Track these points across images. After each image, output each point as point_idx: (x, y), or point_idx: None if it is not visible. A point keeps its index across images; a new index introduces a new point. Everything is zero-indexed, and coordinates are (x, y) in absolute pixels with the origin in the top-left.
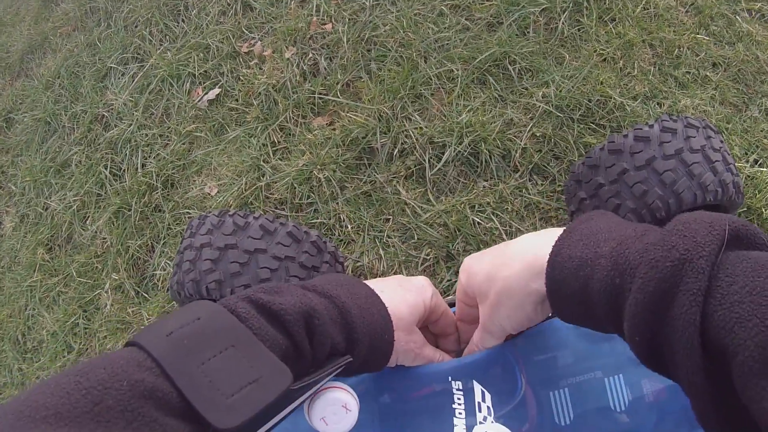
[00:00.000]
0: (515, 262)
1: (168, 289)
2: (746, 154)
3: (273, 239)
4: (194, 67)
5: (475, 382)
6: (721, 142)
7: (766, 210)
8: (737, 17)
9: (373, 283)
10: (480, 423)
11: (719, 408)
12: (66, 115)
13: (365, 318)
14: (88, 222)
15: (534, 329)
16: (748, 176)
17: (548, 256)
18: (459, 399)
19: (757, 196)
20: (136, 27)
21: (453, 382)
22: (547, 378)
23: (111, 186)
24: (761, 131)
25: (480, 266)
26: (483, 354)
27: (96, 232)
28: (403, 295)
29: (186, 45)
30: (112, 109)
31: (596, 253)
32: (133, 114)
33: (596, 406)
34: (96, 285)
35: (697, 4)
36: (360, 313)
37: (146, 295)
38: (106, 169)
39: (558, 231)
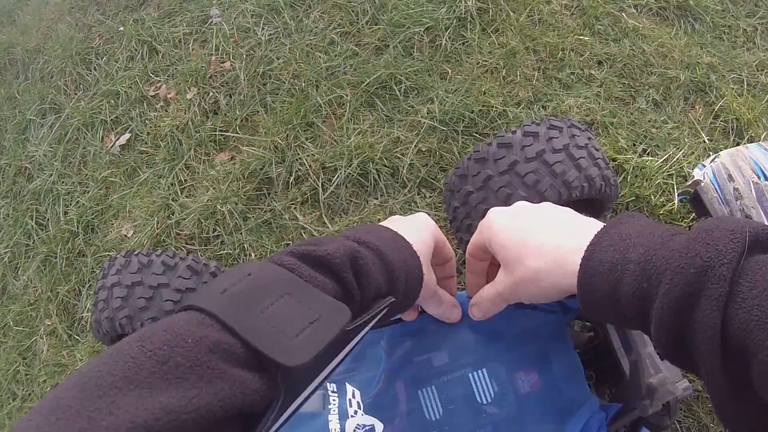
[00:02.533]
0: (547, 256)
1: (89, 329)
2: (633, 145)
3: (174, 273)
4: (106, 114)
5: (347, 383)
6: (589, 138)
7: (654, 197)
8: (623, 14)
9: (387, 224)
10: (351, 416)
11: (737, 402)
12: None
13: (399, 257)
14: (19, 272)
15: (415, 326)
16: (636, 166)
17: (581, 260)
18: (334, 400)
19: (645, 184)
20: (51, 77)
21: (328, 385)
22: (420, 377)
23: (37, 235)
24: (648, 122)
25: (509, 240)
26: (352, 356)
27: (27, 281)
28: (417, 232)
29: (98, 93)
30: (33, 160)
31: (625, 258)
32: (53, 164)
33: (463, 400)
34: (32, 332)
35: (582, 6)
36: (394, 254)
37: (78, 338)
38: (32, 219)
39: (582, 223)
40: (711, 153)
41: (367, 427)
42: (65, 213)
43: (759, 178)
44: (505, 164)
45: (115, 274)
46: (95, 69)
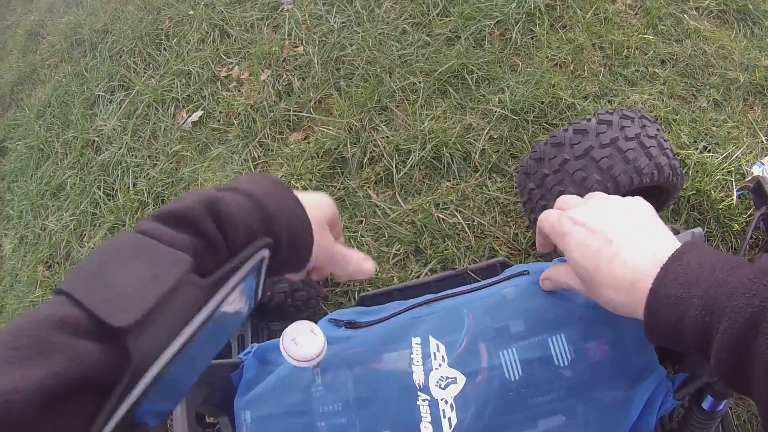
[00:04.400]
0: (619, 287)
1: None
2: (695, 141)
3: None
4: (177, 92)
5: (431, 337)
6: (657, 130)
7: (714, 192)
8: (685, 15)
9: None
10: (435, 369)
11: None
12: (58, 142)
13: (275, 200)
14: (84, 239)
15: (491, 301)
16: (697, 162)
17: (648, 292)
18: (417, 351)
19: (705, 179)
20: (120, 57)
21: (413, 339)
22: (500, 341)
23: (105, 205)
24: (709, 120)
25: (584, 260)
26: (440, 313)
27: (93, 248)
28: (313, 198)
29: (169, 72)
30: (101, 134)
31: (689, 293)
32: (122, 138)
33: (541, 363)
34: None
35: (645, 6)
36: (269, 197)
37: None
38: (99, 189)
39: (655, 235)
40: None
41: (450, 380)
42: (134, 184)
43: None
44: (581, 149)
45: None
46: (165, 50)
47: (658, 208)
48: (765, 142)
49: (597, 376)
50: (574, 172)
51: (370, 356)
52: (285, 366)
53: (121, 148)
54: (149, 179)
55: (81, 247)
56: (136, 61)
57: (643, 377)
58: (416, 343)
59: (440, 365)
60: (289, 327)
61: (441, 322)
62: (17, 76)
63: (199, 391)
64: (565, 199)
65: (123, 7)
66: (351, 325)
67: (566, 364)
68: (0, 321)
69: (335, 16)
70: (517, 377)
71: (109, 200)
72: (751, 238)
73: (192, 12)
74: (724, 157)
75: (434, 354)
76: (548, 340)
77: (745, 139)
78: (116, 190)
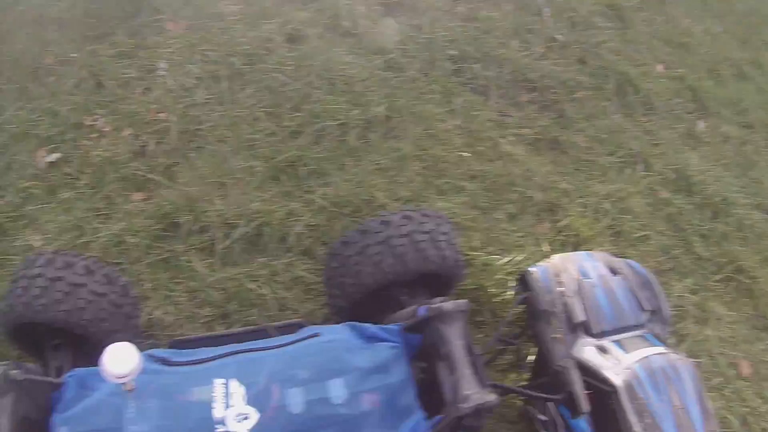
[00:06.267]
0: None
1: None
2: (484, 246)
3: (92, 277)
4: (43, 130)
5: (233, 380)
6: (449, 229)
7: (493, 288)
8: (502, 140)
9: None
10: (233, 406)
11: None
12: None
13: None
14: None
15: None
16: (483, 262)
17: None
18: (220, 390)
19: (487, 277)
20: None
21: (217, 380)
22: (289, 384)
23: None
24: (501, 229)
25: None
26: (244, 361)
27: None
28: None
29: (39, 107)
30: None
31: None
32: None
33: (321, 401)
34: None
35: (471, 129)
36: None
37: None
38: None
39: None
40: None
41: (245, 415)
42: None
43: (581, 276)
44: (382, 237)
45: (40, 266)
46: (42, 85)
47: (441, 293)
48: (548, 251)
49: (368, 419)
50: (373, 255)
51: (177, 390)
52: (102, 391)
53: None
54: None
55: None
56: (11, 88)
57: (405, 417)
58: (220, 383)
59: (238, 403)
60: (111, 346)
61: (243, 368)
62: None
63: (23, 403)
64: None
65: (14, 30)
66: (164, 361)
67: (341, 402)
68: None
69: (202, 91)
70: (301, 411)
71: None
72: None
73: (75, 55)
74: (507, 261)
75: (233, 393)
76: (329, 383)
77: (530, 248)
78: None
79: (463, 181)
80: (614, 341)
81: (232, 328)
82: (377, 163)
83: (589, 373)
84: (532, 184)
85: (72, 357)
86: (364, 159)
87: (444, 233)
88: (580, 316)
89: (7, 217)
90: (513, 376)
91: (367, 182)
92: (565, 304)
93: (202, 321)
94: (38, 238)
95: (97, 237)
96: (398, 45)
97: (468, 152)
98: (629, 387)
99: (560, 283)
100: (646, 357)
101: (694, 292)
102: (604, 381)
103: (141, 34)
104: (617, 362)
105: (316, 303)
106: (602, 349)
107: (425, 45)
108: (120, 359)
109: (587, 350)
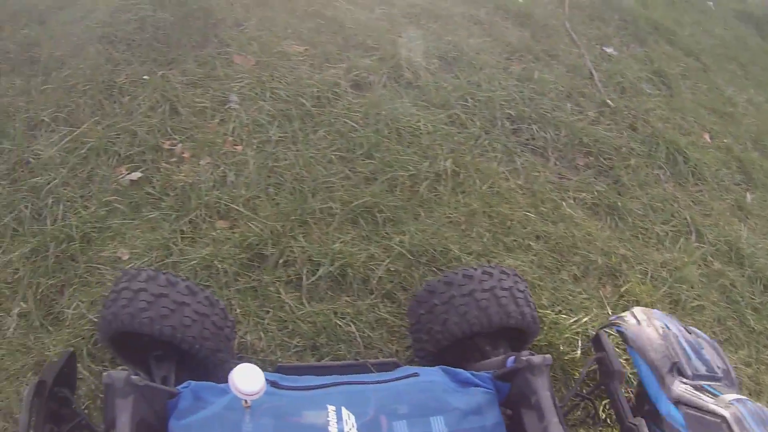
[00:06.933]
0: None
1: (99, 321)
2: (553, 305)
3: (195, 298)
4: (121, 148)
5: (343, 407)
6: (525, 287)
7: (563, 346)
8: (563, 203)
9: None
10: (347, 430)
11: None
12: None
13: None
14: (1, 251)
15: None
16: (552, 321)
17: None
18: (332, 415)
19: (557, 335)
20: (71, 92)
21: (328, 405)
22: (395, 416)
23: (29, 226)
24: (567, 290)
25: None
26: (351, 392)
27: (8, 262)
28: None
29: (116, 125)
30: (39, 158)
31: None
32: (60, 170)
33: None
34: (1, 308)
35: (533, 189)
36: None
37: (50, 328)
38: (27, 209)
39: None
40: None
41: None
42: (63, 216)
43: (665, 326)
44: (467, 290)
45: (143, 281)
46: (117, 103)
47: (518, 347)
48: (610, 314)
49: None
50: (459, 305)
51: (290, 412)
52: (217, 405)
53: (56, 179)
54: (80, 217)
55: None
56: (87, 101)
57: None
58: (332, 410)
59: (351, 428)
60: (238, 366)
61: (352, 398)
62: None
63: (141, 406)
64: None
65: (84, 45)
66: (275, 384)
67: None
68: None
69: (275, 128)
70: None
71: (34, 223)
72: (584, 380)
73: (147, 77)
74: (574, 321)
75: (346, 420)
76: (430, 419)
77: (594, 310)
78: (44, 216)
79: (529, 239)
80: (707, 384)
81: (334, 361)
82: (448, 217)
83: (691, 405)
84: (594, 248)
85: (175, 369)
86: (435, 211)
87: (521, 291)
88: (674, 357)
89: (93, 227)
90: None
91: (441, 234)
92: (659, 346)
93: (293, 350)
94: (126, 252)
95: (185, 258)
96: (459, 101)
97: (532, 212)
98: (737, 419)
99: (650, 327)
100: (740, 399)
101: (747, 365)
102: (712, 412)
103: (210, 65)
104: (717, 399)
105: (400, 345)
106: (698, 389)
107: (485, 103)
108: (248, 378)
109: (685, 388)
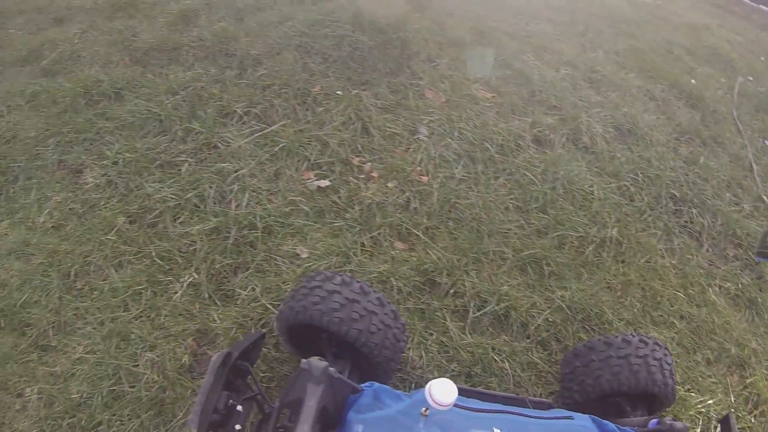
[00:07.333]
0: None
1: (279, 312)
2: (683, 382)
3: (383, 309)
4: (311, 154)
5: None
6: (671, 362)
7: (686, 421)
8: (710, 288)
9: None
10: None
11: None
12: (180, 126)
13: None
14: (178, 222)
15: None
16: (681, 397)
17: None
18: None
19: (682, 410)
20: (264, 91)
21: (494, 428)
22: None
23: (212, 206)
24: (699, 371)
25: None
26: (514, 421)
27: (185, 233)
28: None
29: (307, 132)
30: (228, 145)
31: None
32: (248, 160)
33: None
34: (172, 273)
35: (685, 271)
36: None
37: (218, 302)
38: (211, 188)
39: None
40: (732, 409)
41: None
42: (248, 204)
43: None
44: (623, 353)
45: (337, 284)
46: (309, 111)
47: (653, 411)
48: (732, 402)
49: None
50: (614, 365)
51: (458, 427)
52: (394, 408)
53: (243, 168)
54: (264, 209)
55: (174, 227)
56: (280, 104)
57: None
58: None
59: None
60: (437, 380)
61: (515, 426)
62: (157, 43)
63: (328, 394)
64: None
65: (281, 49)
66: None
67: None
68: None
69: (460, 167)
70: None
71: (216, 203)
72: None
73: (341, 93)
74: (700, 401)
75: None
76: None
77: (719, 395)
78: (229, 200)
79: (674, 317)
80: None
81: (497, 391)
82: (607, 282)
83: None
84: (729, 336)
85: (350, 367)
86: (596, 274)
87: (668, 363)
88: None
89: (276, 221)
90: None
91: (598, 297)
92: None
93: (449, 374)
94: (305, 251)
95: (363, 270)
96: (630, 173)
97: (681, 293)
98: None
99: None
100: None
101: None
102: None
103: (402, 93)
104: None
105: (544, 389)
106: None
107: (653, 180)
108: (445, 391)
109: None
